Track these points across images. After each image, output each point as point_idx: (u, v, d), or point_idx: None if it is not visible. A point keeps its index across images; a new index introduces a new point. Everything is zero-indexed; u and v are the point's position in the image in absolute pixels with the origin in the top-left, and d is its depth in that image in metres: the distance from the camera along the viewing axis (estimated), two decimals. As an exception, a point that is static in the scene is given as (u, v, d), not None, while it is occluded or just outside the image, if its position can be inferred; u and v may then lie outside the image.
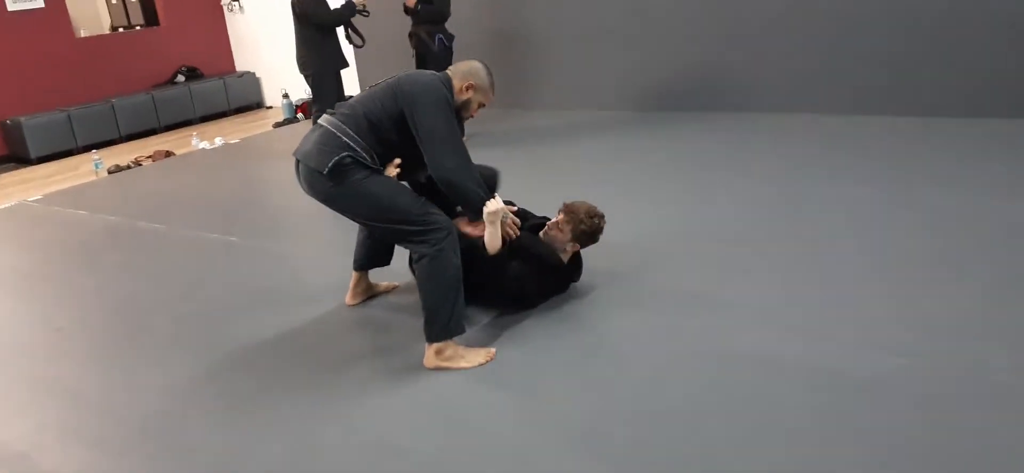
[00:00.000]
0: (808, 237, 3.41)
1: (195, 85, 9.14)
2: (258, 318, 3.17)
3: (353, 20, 5.82)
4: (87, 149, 7.87)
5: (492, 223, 2.74)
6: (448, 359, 2.61)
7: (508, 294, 2.95)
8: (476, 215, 2.74)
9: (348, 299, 3.21)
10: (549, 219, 3.09)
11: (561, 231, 2.99)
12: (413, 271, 2.90)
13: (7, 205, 5.87)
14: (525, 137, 6.13)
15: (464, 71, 2.80)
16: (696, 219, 3.81)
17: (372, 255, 3.16)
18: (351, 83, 8.55)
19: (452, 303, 2.61)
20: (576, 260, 3.09)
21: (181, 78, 9.25)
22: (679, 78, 6.30)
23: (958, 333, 2.48)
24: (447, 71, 2.83)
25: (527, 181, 4.90)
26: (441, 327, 2.60)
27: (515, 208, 3.03)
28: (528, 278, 2.91)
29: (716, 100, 6.13)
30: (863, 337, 2.52)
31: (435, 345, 2.62)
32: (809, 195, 3.95)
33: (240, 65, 10.05)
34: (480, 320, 2.93)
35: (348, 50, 6.13)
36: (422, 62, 6.08)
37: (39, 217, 5.38)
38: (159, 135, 8.60)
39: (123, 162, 6.91)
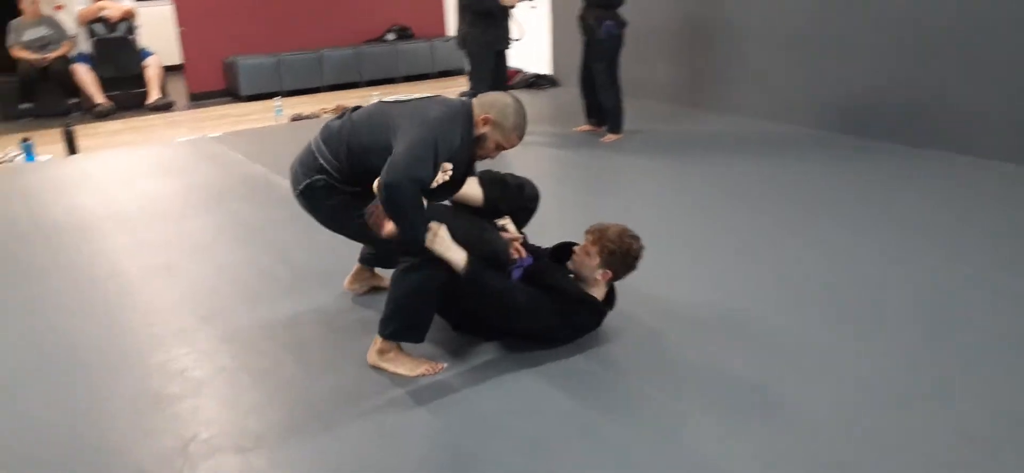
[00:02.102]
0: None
1: (403, 45, 9.39)
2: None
3: (514, 11, 5.52)
4: (292, 94, 8.38)
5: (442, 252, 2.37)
6: (389, 361, 2.50)
7: (518, 327, 2.57)
8: (410, 240, 2.34)
9: (347, 283, 3.09)
10: (575, 245, 2.68)
11: (588, 256, 2.58)
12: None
13: (189, 138, 6.35)
14: (685, 145, 5.46)
15: (487, 102, 2.47)
16: (834, 296, 3.06)
17: (380, 256, 2.98)
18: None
19: (418, 312, 2.46)
20: (610, 293, 2.63)
21: (391, 36, 9.54)
22: (882, 98, 5.21)
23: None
24: (473, 100, 2.50)
25: (661, 197, 4.34)
26: (397, 328, 2.47)
27: (520, 238, 2.62)
28: (541, 312, 2.51)
29: (927, 133, 4.99)
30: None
31: (379, 344, 2.50)
32: None
33: (451, 30, 10.16)
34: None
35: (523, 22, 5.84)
36: (589, 50, 5.63)
37: (205, 154, 5.73)
38: (360, 89, 8.94)
39: (306, 111, 7.22)
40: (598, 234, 2.60)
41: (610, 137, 5.67)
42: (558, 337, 2.59)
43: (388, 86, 8.99)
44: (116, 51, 7.88)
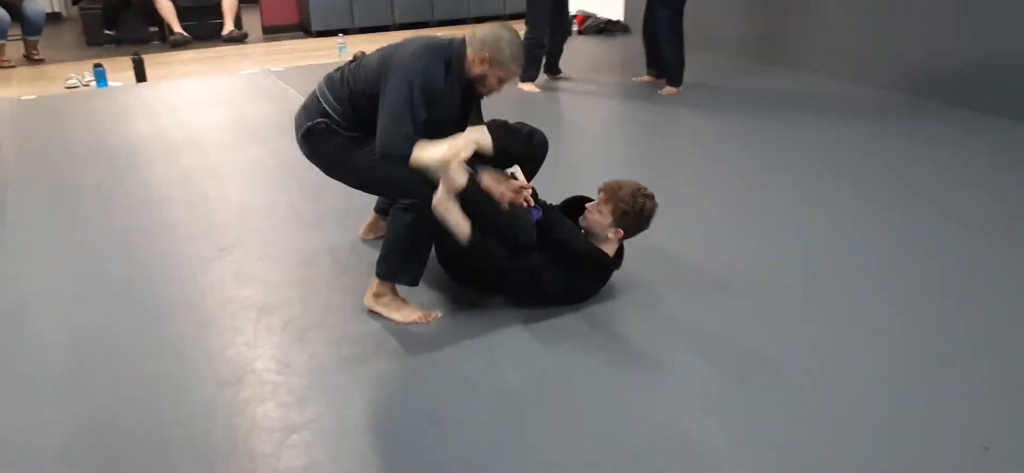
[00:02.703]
0: None
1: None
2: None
3: None
4: (362, 31, 8.40)
5: (443, 180, 2.29)
6: (383, 305, 2.51)
7: (518, 284, 2.52)
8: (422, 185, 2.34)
9: (363, 232, 3.10)
10: (588, 200, 2.60)
11: (600, 214, 2.51)
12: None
13: (252, 71, 6.45)
14: (746, 102, 5.18)
15: (481, 39, 2.39)
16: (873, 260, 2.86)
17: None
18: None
19: (413, 251, 2.46)
20: (619, 251, 2.57)
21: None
22: (968, 62, 4.80)
23: None
24: (465, 36, 2.42)
25: (705, 155, 4.15)
26: (391, 268, 2.47)
27: (529, 188, 2.54)
28: (548, 270, 2.46)
29: (1019, 104, 4.58)
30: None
31: (375, 286, 2.51)
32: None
33: (527, -29, 9.94)
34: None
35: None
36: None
37: (263, 87, 5.82)
38: (430, 28, 8.88)
39: (370, 49, 7.21)
40: (611, 191, 2.52)
41: (669, 90, 5.45)
42: (557, 302, 2.53)
43: (459, 26, 8.89)
44: (194, -19, 8.05)
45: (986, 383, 2.14)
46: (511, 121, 2.69)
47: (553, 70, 5.91)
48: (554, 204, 2.76)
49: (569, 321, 2.47)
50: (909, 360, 2.25)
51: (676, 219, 3.14)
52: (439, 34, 2.52)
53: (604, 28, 7.92)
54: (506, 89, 2.54)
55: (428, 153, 2.30)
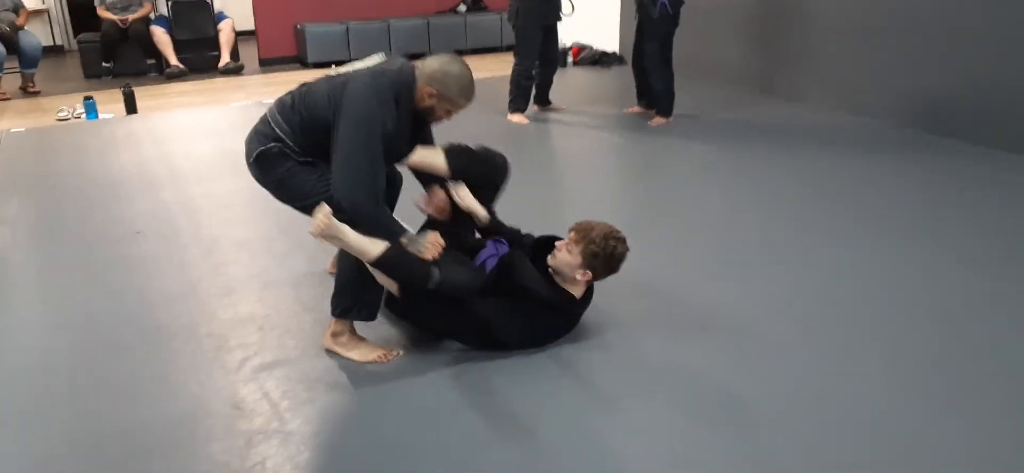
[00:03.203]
0: None
1: (472, 17, 9.27)
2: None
3: None
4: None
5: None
6: (342, 345, 2.46)
7: (471, 332, 2.42)
8: (388, 239, 2.27)
9: (330, 266, 3.01)
10: (559, 239, 2.50)
11: (570, 254, 2.41)
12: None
13: (243, 103, 6.45)
14: (738, 133, 5.12)
15: (429, 73, 2.35)
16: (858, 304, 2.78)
17: None
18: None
19: (364, 287, 2.38)
20: (588, 291, 2.48)
21: (463, 8, 9.44)
22: (964, 95, 4.72)
23: None
24: (415, 65, 2.40)
25: (689, 187, 4.09)
26: (346, 306, 2.42)
27: (489, 219, 2.52)
28: (504, 316, 2.38)
29: (1015, 137, 4.50)
30: None
31: (333, 325, 2.46)
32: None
33: (525, 3, 9.97)
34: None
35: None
36: (641, 29, 5.36)
37: (252, 118, 5.78)
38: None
39: (363, 81, 7.22)
40: (582, 232, 2.43)
41: (658, 121, 5.40)
42: (520, 346, 2.45)
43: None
44: (192, 14, 8.08)
45: (969, 433, 2.05)
46: (473, 145, 2.64)
47: (543, 101, 5.88)
48: (529, 235, 2.69)
49: (536, 360, 2.40)
50: (892, 414, 2.16)
51: (654, 252, 3.08)
52: (387, 60, 2.47)
53: (599, 59, 7.91)
54: (457, 117, 2.50)
55: (347, 236, 2.22)
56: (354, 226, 2.21)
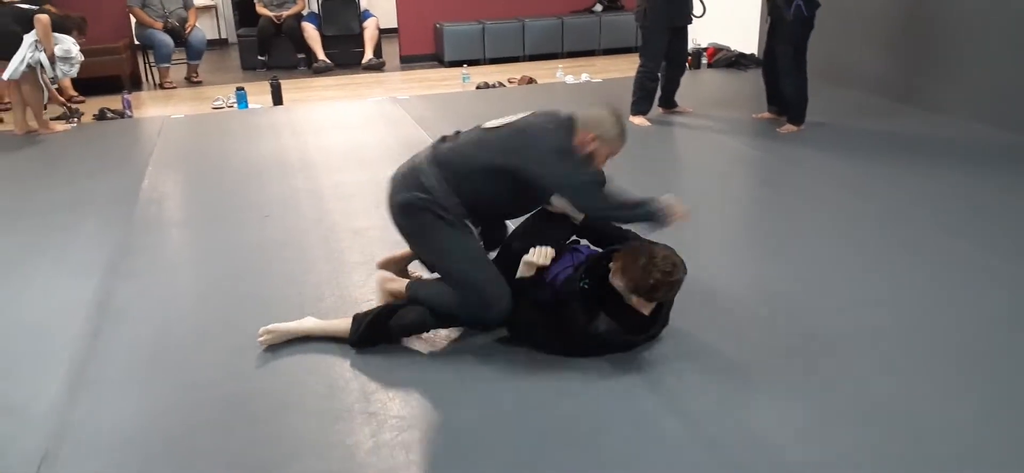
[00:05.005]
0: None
1: (607, 16, 9.22)
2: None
3: None
4: (493, 62, 8.60)
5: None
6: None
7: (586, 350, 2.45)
8: (653, 220, 2.48)
9: (382, 261, 2.99)
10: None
11: (618, 280, 2.39)
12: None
13: (380, 98, 6.76)
14: (871, 145, 4.80)
15: (586, 121, 2.49)
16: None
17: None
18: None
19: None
20: (657, 312, 2.42)
21: (598, 8, 9.41)
22: None
23: None
24: (571, 116, 2.52)
25: (809, 202, 3.90)
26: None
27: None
28: (613, 334, 2.39)
29: None
30: None
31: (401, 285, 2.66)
32: None
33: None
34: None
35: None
36: (773, 31, 5.16)
37: (384, 114, 6.08)
38: (560, 59, 8.94)
39: (492, 80, 7.37)
40: (624, 264, 2.38)
41: (788, 128, 5.18)
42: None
43: (588, 58, 8.91)
44: (340, 11, 8.56)
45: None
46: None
47: (668, 103, 5.78)
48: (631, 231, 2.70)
49: (614, 362, 2.40)
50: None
51: (750, 267, 2.99)
52: (551, 112, 2.58)
53: (736, 62, 7.67)
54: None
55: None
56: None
